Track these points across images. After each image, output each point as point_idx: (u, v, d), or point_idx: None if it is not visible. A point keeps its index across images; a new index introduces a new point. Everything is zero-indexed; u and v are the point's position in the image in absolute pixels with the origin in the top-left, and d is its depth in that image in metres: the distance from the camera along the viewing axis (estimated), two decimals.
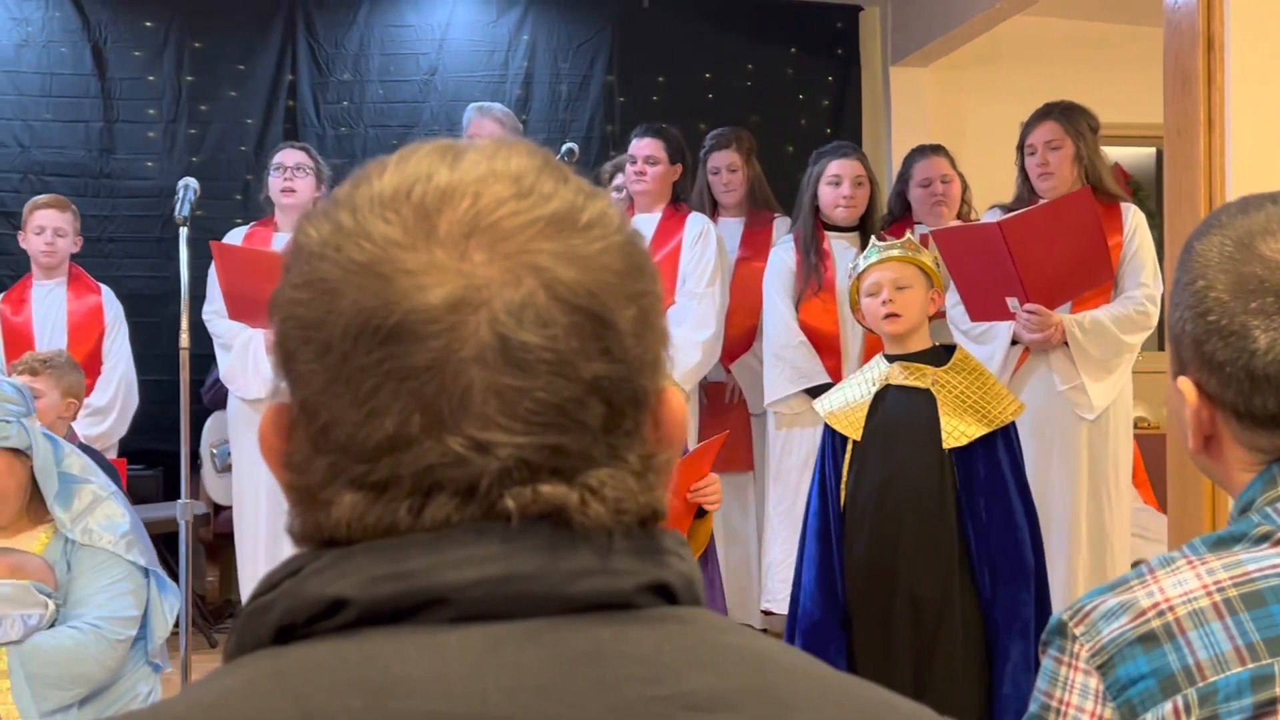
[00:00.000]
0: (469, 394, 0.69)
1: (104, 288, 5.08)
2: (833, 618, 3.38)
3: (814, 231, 4.70)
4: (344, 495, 0.71)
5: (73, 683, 2.80)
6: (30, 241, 4.96)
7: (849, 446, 3.41)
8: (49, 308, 4.94)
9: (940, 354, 3.45)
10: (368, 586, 0.69)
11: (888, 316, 3.37)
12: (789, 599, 3.57)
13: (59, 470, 2.92)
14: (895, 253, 3.41)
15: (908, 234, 3.56)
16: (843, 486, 3.41)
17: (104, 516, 2.92)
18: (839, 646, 3.37)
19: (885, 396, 3.41)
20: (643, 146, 4.86)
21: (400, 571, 0.69)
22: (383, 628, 0.69)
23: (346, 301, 0.70)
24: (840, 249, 4.72)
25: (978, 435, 3.33)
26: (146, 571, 2.95)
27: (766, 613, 4.87)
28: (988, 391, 3.39)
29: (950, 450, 3.33)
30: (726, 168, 5.18)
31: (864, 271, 3.43)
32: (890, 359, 3.46)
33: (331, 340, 0.70)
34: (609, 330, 0.71)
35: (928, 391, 3.38)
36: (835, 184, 4.67)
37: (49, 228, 4.90)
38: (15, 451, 2.85)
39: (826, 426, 3.49)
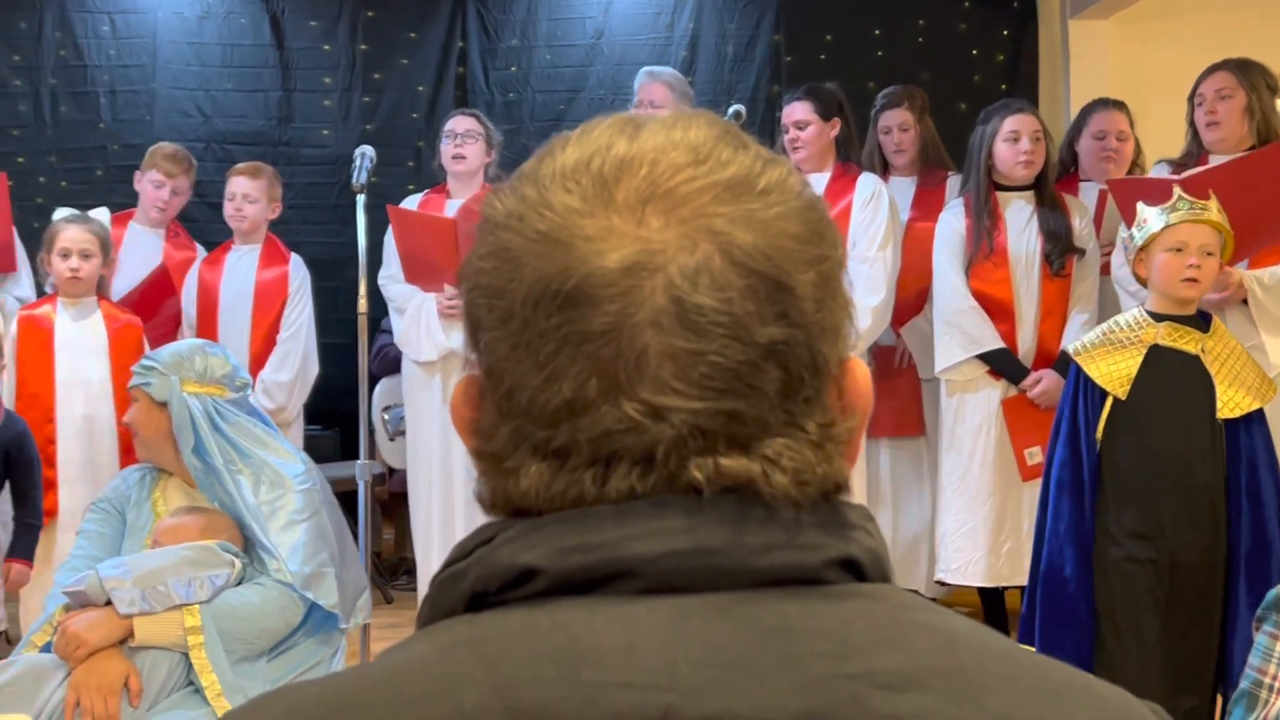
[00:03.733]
0: (644, 358, 0.69)
1: (294, 256, 5.12)
2: (1084, 573, 3.34)
3: (987, 193, 4.58)
4: (529, 464, 0.72)
5: (258, 637, 2.91)
6: (225, 207, 5.13)
7: (1108, 402, 3.34)
8: (239, 273, 5.07)
9: (1200, 320, 3.39)
10: (558, 557, 0.70)
11: (1188, 280, 3.29)
12: (1031, 552, 3.52)
13: (237, 444, 3.05)
14: (1209, 215, 3.33)
15: (1212, 195, 3.44)
16: (1097, 442, 3.36)
17: (281, 522, 3.03)
18: (1088, 605, 3.34)
19: (1156, 357, 3.33)
20: (791, 112, 4.80)
21: (589, 543, 0.70)
22: (572, 598, 0.70)
23: (528, 269, 0.72)
24: (1014, 210, 4.60)
25: (1252, 408, 3.29)
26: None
27: (940, 583, 4.80)
28: (1249, 362, 3.35)
29: (1222, 420, 3.29)
30: (898, 127, 5.08)
31: (1172, 227, 3.33)
32: (1157, 318, 3.37)
33: (513, 307, 0.72)
34: (786, 294, 0.71)
35: (1194, 358, 3.31)
36: (1013, 140, 4.52)
37: (238, 194, 5.05)
38: (159, 403, 3.04)
39: (1077, 373, 3.41)
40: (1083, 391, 3.38)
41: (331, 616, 3.03)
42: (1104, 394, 3.34)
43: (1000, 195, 4.60)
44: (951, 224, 4.65)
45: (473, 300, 0.75)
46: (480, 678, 0.67)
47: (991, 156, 4.56)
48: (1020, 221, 4.57)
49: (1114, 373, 3.34)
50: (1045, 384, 4.45)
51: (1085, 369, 3.37)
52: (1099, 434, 3.34)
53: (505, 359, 0.73)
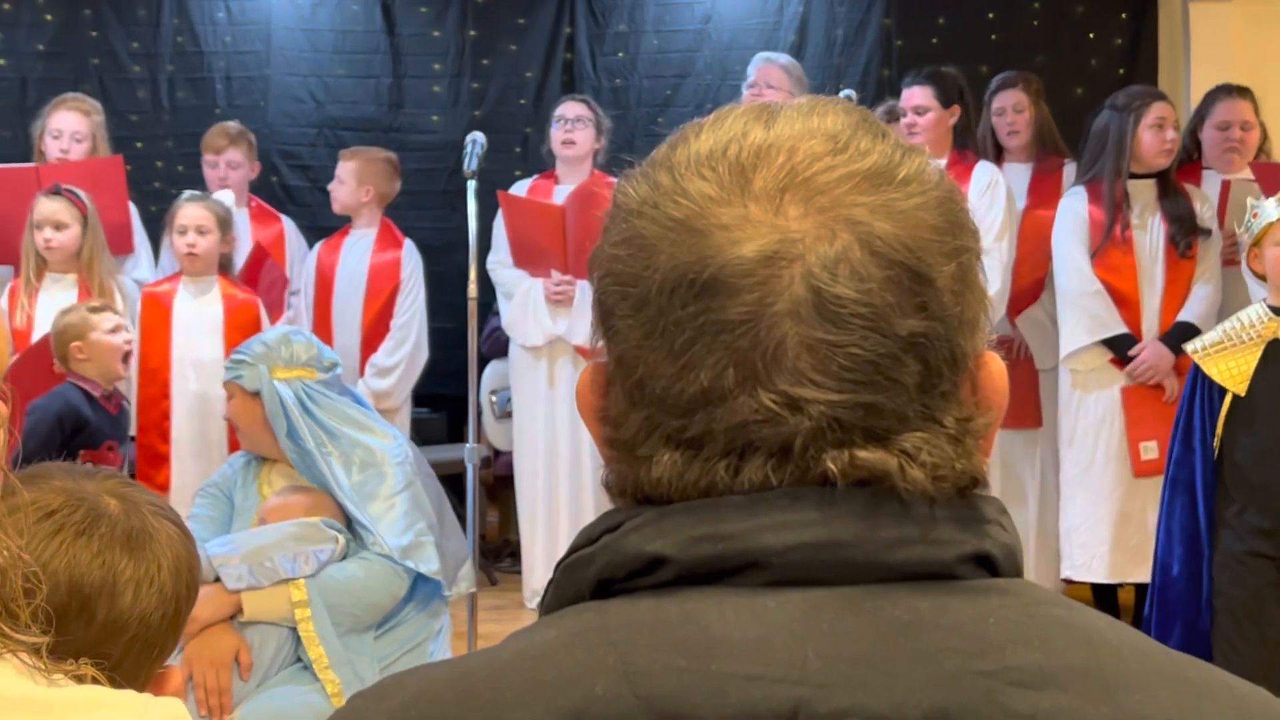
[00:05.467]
0: (782, 348, 0.69)
1: (407, 242, 5.16)
2: (1193, 571, 3.31)
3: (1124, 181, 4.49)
4: (662, 453, 0.72)
5: (365, 610, 2.96)
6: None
7: (1227, 399, 3.28)
8: (354, 257, 5.14)
9: None
10: (687, 546, 0.70)
11: None
12: (1153, 553, 3.48)
13: (327, 426, 3.11)
14: None
15: None
16: (1216, 440, 3.30)
17: (381, 506, 3.07)
18: (1196, 602, 3.30)
19: (1275, 352, 3.28)
20: (911, 96, 4.73)
21: (718, 533, 0.69)
22: (700, 588, 0.69)
23: (663, 256, 0.71)
24: (1140, 197, 4.51)
25: None
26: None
27: (1067, 581, 4.72)
28: None
29: None
30: (1012, 108, 4.97)
31: None
32: (1277, 312, 3.31)
33: (648, 295, 0.71)
34: (926, 286, 0.70)
35: None
36: (1159, 127, 4.44)
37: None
38: (251, 393, 3.12)
39: (1196, 372, 3.35)
40: (1200, 390, 3.34)
41: (436, 588, 3.08)
42: (1223, 392, 3.29)
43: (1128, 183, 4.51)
44: (1075, 209, 4.56)
45: (604, 287, 0.75)
46: (611, 665, 0.67)
47: (1137, 142, 4.46)
48: (1146, 209, 4.49)
49: (1232, 370, 3.29)
50: (1146, 354, 4.36)
51: (1204, 368, 3.31)
52: (1219, 431, 3.27)
53: (638, 347, 0.72)
